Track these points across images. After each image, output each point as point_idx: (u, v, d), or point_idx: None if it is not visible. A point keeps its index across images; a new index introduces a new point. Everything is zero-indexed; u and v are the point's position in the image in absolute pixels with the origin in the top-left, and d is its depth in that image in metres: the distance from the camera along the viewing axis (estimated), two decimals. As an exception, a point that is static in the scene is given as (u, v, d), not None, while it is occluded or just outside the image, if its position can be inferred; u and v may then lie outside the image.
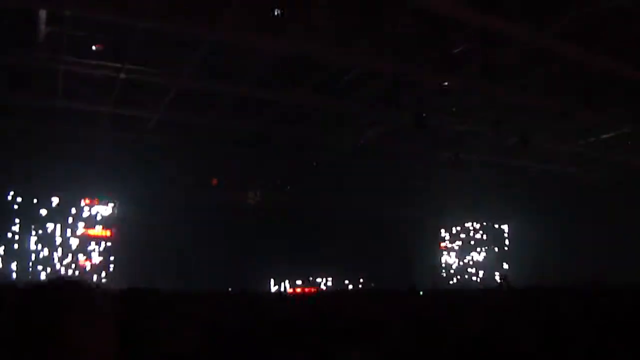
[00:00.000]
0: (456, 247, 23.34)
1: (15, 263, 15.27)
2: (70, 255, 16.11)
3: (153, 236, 15.81)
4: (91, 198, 16.67)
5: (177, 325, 2.85)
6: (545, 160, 16.95)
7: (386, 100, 11.60)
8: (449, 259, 23.01)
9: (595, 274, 13.08)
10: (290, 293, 17.92)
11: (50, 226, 15.97)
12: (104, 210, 16.88)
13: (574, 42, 8.83)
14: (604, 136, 14.58)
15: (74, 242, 16.25)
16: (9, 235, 15.43)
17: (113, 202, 16.96)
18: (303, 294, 16.88)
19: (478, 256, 23.71)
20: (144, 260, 15.47)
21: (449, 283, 22.09)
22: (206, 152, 15.09)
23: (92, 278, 16.11)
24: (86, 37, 8.93)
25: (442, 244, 23.03)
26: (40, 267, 15.57)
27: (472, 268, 23.45)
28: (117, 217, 16.91)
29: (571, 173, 18.10)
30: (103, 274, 16.42)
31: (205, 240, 16.55)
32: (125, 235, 16.45)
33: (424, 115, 11.98)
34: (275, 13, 7.74)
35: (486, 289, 15.25)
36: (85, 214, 16.61)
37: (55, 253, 15.89)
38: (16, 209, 15.69)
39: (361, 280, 20.00)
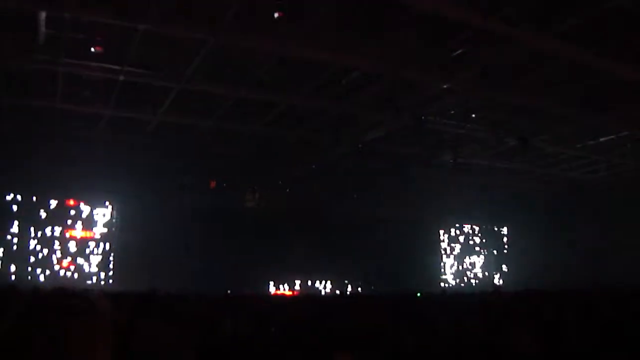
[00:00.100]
0: (455, 250, 23.33)
1: (14, 264, 15.27)
2: (69, 256, 16.10)
3: (152, 238, 15.80)
4: (90, 200, 16.67)
5: (175, 327, 2.85)
6: (544, 163, 16.96)
7: (386, 102, 11.60)
8: (448, 261, 22.99)
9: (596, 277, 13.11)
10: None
11: (49, 228, 15.97)
12: (103, 212, 16.88)
13: (574, 44, 8.83)
14: (603, 139, 14.58)
15: (73, 244, 16.25)
16: (8, 236, 15.44)
17: (112, 204, 16.97)
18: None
19: (477, 259, 23.71)
20: (142, 262, 15.48)
21: (447, 286, 22.06)
22: (205, 154, 15.09)
23: (91, 279, 16.13)
24: (86, 40, 8.92)
25: (442, 247, 23.02)
26: (39, 269, 15.56)
27: (470, 271, 23.44)
28: (116, 219, 16.91)
29: (571, 175, 18.10)
30: (102, 276, 16.41)
31: (204, 243, 16.55)
32: (124, 237, 16.44)
33: (423, 117, 12.00)
34: (276, 15, 7.73)
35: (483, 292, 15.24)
36: (85, 216, 16.60)
37: (54, 255, 15.88)
38: (15, 211, 15.70)
39: (360, 283, 20.00)
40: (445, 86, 10.68)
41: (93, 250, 16.50)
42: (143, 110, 12.10)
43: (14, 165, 14.24)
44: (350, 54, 9.28)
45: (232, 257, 16.45)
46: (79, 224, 16.46)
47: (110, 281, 16.30)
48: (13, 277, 14.90)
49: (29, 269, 15.46)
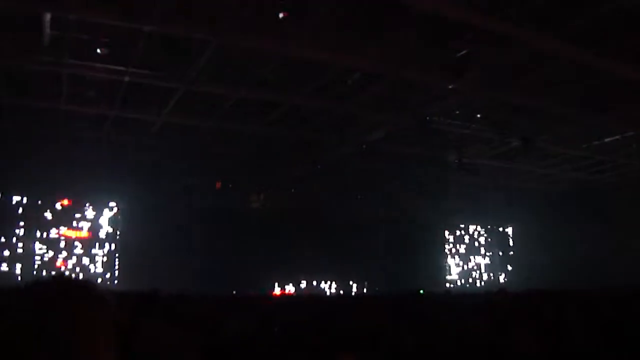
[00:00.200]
0: (460, 250, 23.31)
1: (19, 266, 15.34)
2: (74, 257, 16.17)
3: (156, 239, 15.85)
4: (95, 201, 16.74)
5: (178, 327, 2.86)
6: (548, 163, 16.91)
7: (390, 102, 11.60)
8: (454, 261, 22.97)
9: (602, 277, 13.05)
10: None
11: (54, 229, 16.04)
12: (108, 213, 16.94)
13: (574, 44, 8.82)
14: (608, 139, 14.53)
15: (78, 245, 16.31)
16: (14, 238, 15.51)
17: (117, 205, 17.03)
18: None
19: (482, 259, 23.67)
20: (147, 263, 15.52)
21: (453, 286, 22.04)
22: (210, 155, 15.11)
23: (96, 280, 16.18)
24: (90, 41, 8.95)
25: (447, 247, 23.01)
26: (44, 271, 15.61)
27: (476, 271, 23.41)
28: (121, 220, 16.97)
29: (577, 176, 18.04)
30: (107, 276, 16.47)
31: (209, 243, 16.59)
32: (129, 238, 16.50)
33: (427, 118, 11.98)
34: (281, 16, 7.74)
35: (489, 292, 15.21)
36: (90, 217, 16.67)
37: (59, 255, 15.95)
38: (20, 212, 15.77)
39: (365, 283, 19.99)
40: (450, 87, 10.67)
41: (98, 251, 16.57)
42: (148, 111, 12.13)
43: (19, 167, 14.31)
44: (351, 54, 9.28)
45: (236, 257, 16.48)
46: (84, 225, 16.53)
47: (116, 282, 16.36)
48: (19, 278, 14.99)
49: (35, 270, 15.52)
